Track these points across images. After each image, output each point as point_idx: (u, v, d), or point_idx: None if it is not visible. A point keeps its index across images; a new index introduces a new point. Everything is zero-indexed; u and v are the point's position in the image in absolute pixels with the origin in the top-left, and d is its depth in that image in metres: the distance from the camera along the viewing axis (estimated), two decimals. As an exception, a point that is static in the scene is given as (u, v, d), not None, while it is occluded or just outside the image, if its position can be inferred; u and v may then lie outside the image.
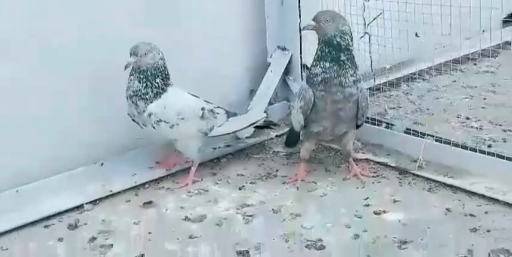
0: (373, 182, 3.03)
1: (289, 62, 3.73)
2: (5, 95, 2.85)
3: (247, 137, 3.48)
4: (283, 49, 3.75)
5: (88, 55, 3.03)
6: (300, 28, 3.60)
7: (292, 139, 3.32)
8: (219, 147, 3.42)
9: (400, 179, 3.03)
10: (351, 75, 2.87)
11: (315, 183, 3.05)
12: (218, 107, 3.19)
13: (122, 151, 3.21)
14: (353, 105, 2.93)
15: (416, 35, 3.74)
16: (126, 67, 2.91)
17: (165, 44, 3.05)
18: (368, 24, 3.59)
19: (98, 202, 2.96)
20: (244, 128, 3.31)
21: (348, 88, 2.87)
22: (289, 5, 3.64)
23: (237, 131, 3.30)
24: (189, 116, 3.02)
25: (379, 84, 3.82)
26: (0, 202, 2.83)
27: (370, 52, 3.59)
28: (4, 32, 2.80)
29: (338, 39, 2.85)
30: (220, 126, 3.16)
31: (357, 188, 2.99)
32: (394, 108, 3.78)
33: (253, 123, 3.34)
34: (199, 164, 3.16)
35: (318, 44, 2.91)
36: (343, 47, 2.85)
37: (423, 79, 4.07)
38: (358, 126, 3.07)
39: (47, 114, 2.99)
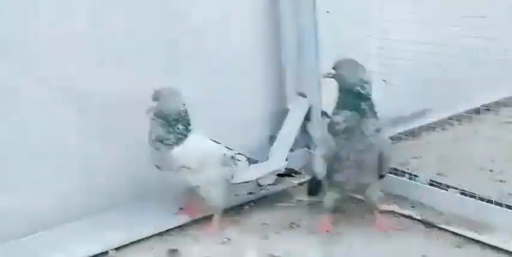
0: (399, 236, 2.99)
1: (309, 109, 3.74)
2: (26, 139, 2.85)
3: (269, 185, 3.46)
4: (303, 95, 3.77)
5: (115, 99, 3.05)
6: (319, 74, 3.63)
7: (314, 187, 3.30)
8: (241, 194, 3.40)
9: (427, 233, 3.00)
10: (373, 124, 2.88)
11: (339, 234, 3.02)
12: (239, 153, 3.19)
13: (146, 197, 3.19)
14: (376, 155, 2.92)
15: (435, 83, 3.76)
16: (148, 111, 2.92)
17: (186, 90, 3.07)
18: (384, 74, 3.62)
19: (121, 248, 2.92)
20: (266, 175, 3.31)
21: (370, 137, 2.87)
22: (307, 51, 3.66)
23: (258, 178, 3.29)
24: (210, 162, 3.02)
25: (399, 133, 3.83)
26: (23, 247, 2.82)
27: (388, 100, 3.62)
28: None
29: (358, 88, 2.87)
30: (241, 173, 3.15)
31: (383, 241, 2.96)
32: (415, 158, 3.77)
33: (275, 171, 3.34)
34: (222, 212, 3.14)
35: (338, 91, 2.93)
36: (363, 95, 2.87)
37: (443, 129, 4.07)
38: (381, 177, 3.06)
39: (71, 159, 2.99)
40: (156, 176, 3.11)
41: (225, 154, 3.09)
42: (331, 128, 2.92)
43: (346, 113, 2.86)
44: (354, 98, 2.86)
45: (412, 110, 4.06)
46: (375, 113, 2.91)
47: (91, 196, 3.05)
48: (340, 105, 2.89)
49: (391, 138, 3.64)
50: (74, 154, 3.01)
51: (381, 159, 2.95)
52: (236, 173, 3.12)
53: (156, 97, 2.94)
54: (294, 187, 3.52)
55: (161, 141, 2.94)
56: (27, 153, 2.90)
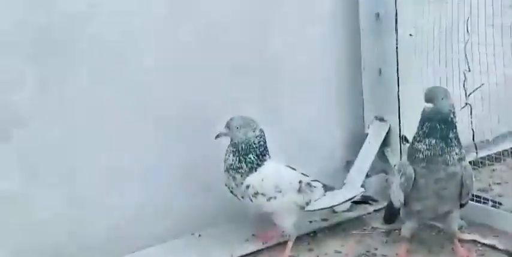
0: (481, 266, 2.88)
1: (387, 133, 3.65)
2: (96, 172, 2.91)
3: (343, 211, 3.39)
4: (381, 120, 3.68)
5: (185, 122, 3.08)
6: (398, 98, 3.55)
7: (391, 215, 3.20)
8: (315, 221, 3.35)
9: (510, 264, 2.87)
10: (456, 154, 2.78)
11: (417, 264, 2.93)
12: (315, 180, 3.15)
13: (220, 223, 3.20)
14: (457, 184, 2.82)
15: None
16: (216, 137, 2.94)
17: (260, 114, 3.07)
18: (469, 95, 3.50)
19: (194, 274, 2.94)
20: (342, 203, 3.24)
21: (452, 166, 2.77)
22: (387, 74, 3.58)
23: (334, 206, 3.23)
24: (286, 189, 3.00)
25: (481, 158, 3.68)
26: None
27: (471, 124, 3.49)
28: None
29: (452, 116, 2.78)
30: (317, 200, 3.10)
31: (463, 271, 2.85)
32: (498, 183, 3.61)
33: (351, 199, 3.26)
34: (296, 238, 3.10)
35: (425, 119, 2.80)
36: (453, 125, 2.78)
37: (528, 153, 3.90)
38: (462, 206, 2.94)
39: (144, 185, 3.02)
40: (231, 202, 3.11)
41: (300, 181, 3.05)
42: (411, 155, 2.83)
43: (431, 141, 2.77)
44: (443, 126, 2.77)
45: (495, 134, 3.90)
46: (459, 142, 2.81)
47: (165, 221, 3.07)
48: (426, 134, 2.79)
49: (473, 163, 3.52)
50: (149, 180, 3.05)
51: (462, 188, 2.83)
52: (311, 200, 3.08)
53: (227, 124, 2.95)
54: (369, 213, 3.44)
55: (234, 169, 2.95)
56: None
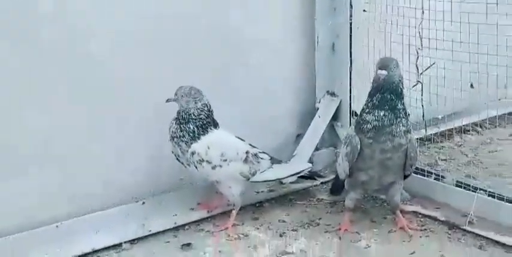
0: (420, 236, 2.90)
1: (338, 108, 3.67)
2: (48, 132, 2.87)
3: (291, 183, 3.39)
4: (333, 94, 3.70)
5: (132, 94, 3.04)
6: (350, 73, 3.56)
7: (337, 187, 3.22)
8: (262, 191, 3.35)
9: (449, 235, 2.90)
10: (403, 125, 2.79)
11: (358, 234, 2.94)
12: (263, 152, 3.15)
13: (164, 191, 3.17)
14: (401, 155, 2.83)
15: (471, 86, 3.62)
16: (166, 101, 2.94)
17: (214, 85, 3.06)
18: (421, 73, 3.52)
19: (136, 241, 2.91)
20: (288, 176, 3.25)
21: (398, 138, 2.79)
22: (340, 51, 3.60)
23: (279, 179, 3.24)
24: (232, 158, 2.99)
25: (431, 135, 3.72)
26: (39, 238, 2.81)
27: (422, 101, 3.52)
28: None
29: (401, 87, 2.80)
30: (263, 172, 3.10)
31: (403, 241, 2.86)
32: (445, 160, 3.65)
33: (298, 173, 3.26)
34: (241, 208, 3.10)
35: (375, 90, 2.82)
36: (401, 95, 2.80)
37: (477, 131, 3.95)
38: (405, 177, 2.97)
39: (90, 152, 2.99)
40: (177, 170, 3.11)
41: (247, 151, 3.05)
42: (359, 126, 2.84)
43: (380, 112, 2.78)
44: (393, 97, 2.78)
45: (445, 112, 3.93)
46: (406, 114, 2.83)
47: (109, 188, 3.04)
48: (376, 105, 2.78)
49: (422, 139, 3.55)
50: (96, 146, 3.00)
51: (406, 159, 2.85)
52: (257, 171, 3.08)
53: (176, 93, 2.94)
54: (316, 186, 3.45)
55: (178, 137, 2.94)
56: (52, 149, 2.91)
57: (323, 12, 3.57)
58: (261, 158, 3.11)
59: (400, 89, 2.80)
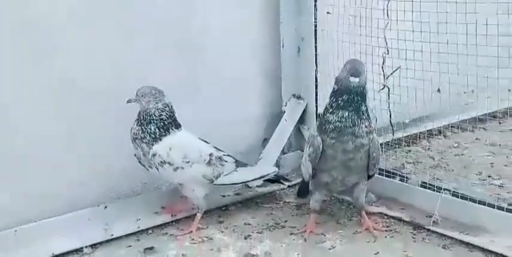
0: (385, 237, 2.88)
1: (304, 111, 3.67)
2: (8, 132, 2.82)
3: (258, 186, 3.37)
4: (299, 97, 3.69)
5: (96, 93, 3.00)
6: (316, 76, 3.55)
7: (304, 190, 3.20)
8: (228, 195, 3.32)
9: (414, 235, 2.89)
10: (366, 126, 2.79)
11: (324, 235, 2.92)
12: (228, 155, 3.11)
13: (128, 195, 3.12)
14: (364, 156, 2.82)
15: (439, 90, 3.64)
16: (127, 101, 2.90)
17: (178, 87, 3.02)
18: (387, 77, 3.52)
19: (98, 246, 2.86)
20: (253, 180, 3.21)
21: (360, 138, 2.78)
22: (305, 54, 3.61)
23: (244, 182, 3.20)
24: (195, 160, 2.94)
25: (398, 139, 3.71)
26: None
27: (389, 105, 3.52)
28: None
29: (364, 89, 2.80)
30: (227, 175, 3.06)
31: (368, 242, 2.85)
32: (412, 163, 3.65)
33: (263, 176, 3.23)
34: (206, 211, 3.06)
35: (338, 91, 2.81)
36: (365, 97, 2.80)
37: (444, 136, 3.97)
38: (369, 177, 2.96)
39: (52, 154, 2.93)
40: (140, 174, 3.06)
41: (211, 154, 3.01)
42: (321, 126, 2.82)
43: (344, 113, 2.77)
44: (358, 99, 2.77)
45: (413, 117, 3.94)
46: (369, 116, 2.83)
47: (71, 191, 2.98)
48: (340, 106, 2.77)
49: (389, 143, 3.55)
50: (58, 148, 2.95)
51: (369, 159, 2.85)
52: (221, 174, 3.03)
53: (136, 94, 2.90)
54: (283, 189, 3.43)
55: (139, 139, 2.89)
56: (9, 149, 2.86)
57: (288, 15, 3.57)
58: (226, 161, 3.07)
59: (365, 91, 2.81)
